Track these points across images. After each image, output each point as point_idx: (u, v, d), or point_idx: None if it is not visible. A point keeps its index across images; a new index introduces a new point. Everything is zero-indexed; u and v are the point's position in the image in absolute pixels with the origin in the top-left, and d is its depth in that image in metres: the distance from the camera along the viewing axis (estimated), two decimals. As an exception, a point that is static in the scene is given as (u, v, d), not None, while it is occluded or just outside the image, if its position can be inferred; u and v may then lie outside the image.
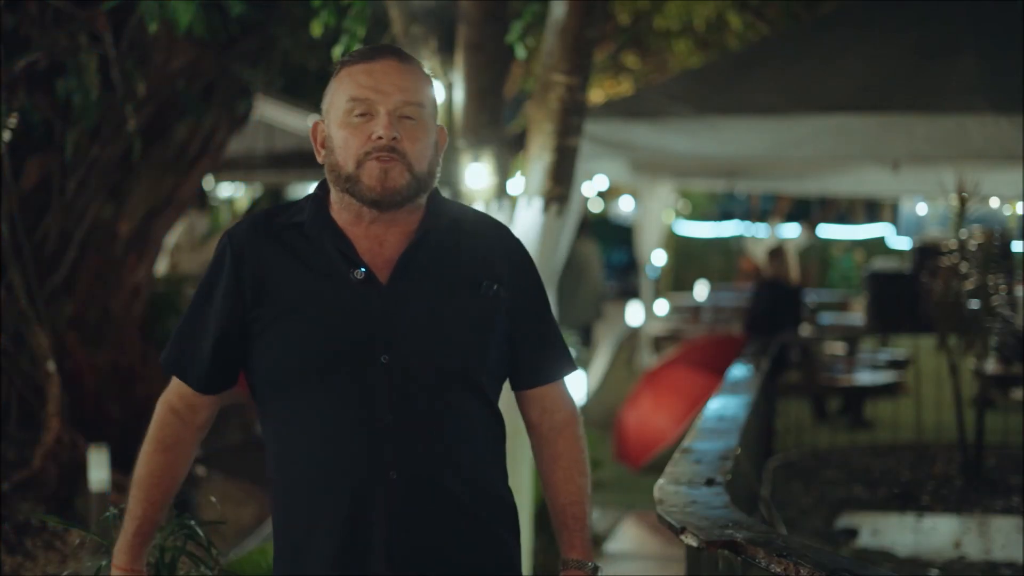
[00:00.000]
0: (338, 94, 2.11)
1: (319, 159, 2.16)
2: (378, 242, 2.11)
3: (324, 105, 2.15)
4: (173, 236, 10.03)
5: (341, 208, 2.12)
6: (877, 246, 20.81)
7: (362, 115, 2.07)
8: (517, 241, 2.26)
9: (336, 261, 2.09)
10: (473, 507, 2.11)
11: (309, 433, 2.06)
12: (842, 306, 15.67)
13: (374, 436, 2.03)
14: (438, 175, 2.17)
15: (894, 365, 10.75)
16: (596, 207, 18.22)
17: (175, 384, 2.19)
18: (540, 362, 2.25)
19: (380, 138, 2.05)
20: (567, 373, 2.29)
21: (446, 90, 4.73)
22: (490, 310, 2.14)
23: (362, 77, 2.08)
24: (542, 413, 2.26)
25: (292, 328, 2.06)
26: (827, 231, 20.79)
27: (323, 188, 2.18)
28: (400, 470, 2.03)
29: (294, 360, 2.06)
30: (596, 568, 2.23)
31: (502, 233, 2.25)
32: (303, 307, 2.06)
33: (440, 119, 5.14)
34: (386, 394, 2.04)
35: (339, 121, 2.09)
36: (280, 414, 2.10)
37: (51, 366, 5.03)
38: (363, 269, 2.08)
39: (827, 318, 12.75)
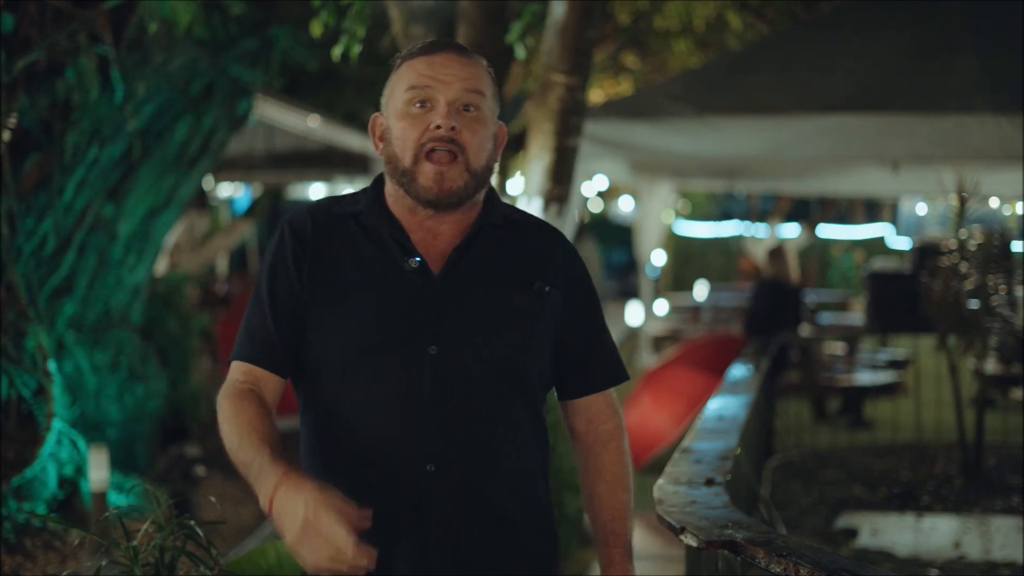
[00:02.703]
0: (398, 85, 2.09)
1: (377, 151, 2.15)
2: (432, 234, 2.10)
3: (383, 99, 2.14)
4: (173, 236, 10.03)
5: (396, 200, 2.12)
6: (877, 246, 20.82)
7: (421, 104, 2.05)
8: (572, 248, 2.25)
9: (391, 249, 2.08)
10: (514, 515, 2.08)
11: (351, 419, 2.04)
12: (842, 306, 15.68)
13: (417, 427, 2.02)
14: (495, 170, 2.17)
15: (894, 365, 10.76)
16: (596, 207, 18.21)
17: (242, 371, 2.09)
18: (589, 370, 2.22)
19: (439, 128, 2.03)
20: (618, 382, 2.26)
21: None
22: (540, 309, 2.12)
23: (422, 67, 2.07)
24: (588, 424, 2.24)
25: (344, 313, 2.05)
26: (827, 231, 20.80)
27: (380, 180, 2.17)
28: (439, 463, 2.01)
29: (345, 345, 2.05)
30: None
31: (558, 238, 2.23)
32: (356, 293, 2.06)
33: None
34: (431, 384, 2.02)
35: (398, 112, 2.07)
36: (325, 399, 2.08)
37: (51, 366, 5.03)
38: (418, 259, 2.07)
39: (827, 318, 12.76)
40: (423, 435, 2.01)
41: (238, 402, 2.03)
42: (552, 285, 2.14)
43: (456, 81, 2.05)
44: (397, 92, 2.09)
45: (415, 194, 2.06)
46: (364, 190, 2.19)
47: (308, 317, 2.07)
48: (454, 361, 2.03)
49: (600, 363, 2.23)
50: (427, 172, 2.04)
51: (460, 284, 2.08)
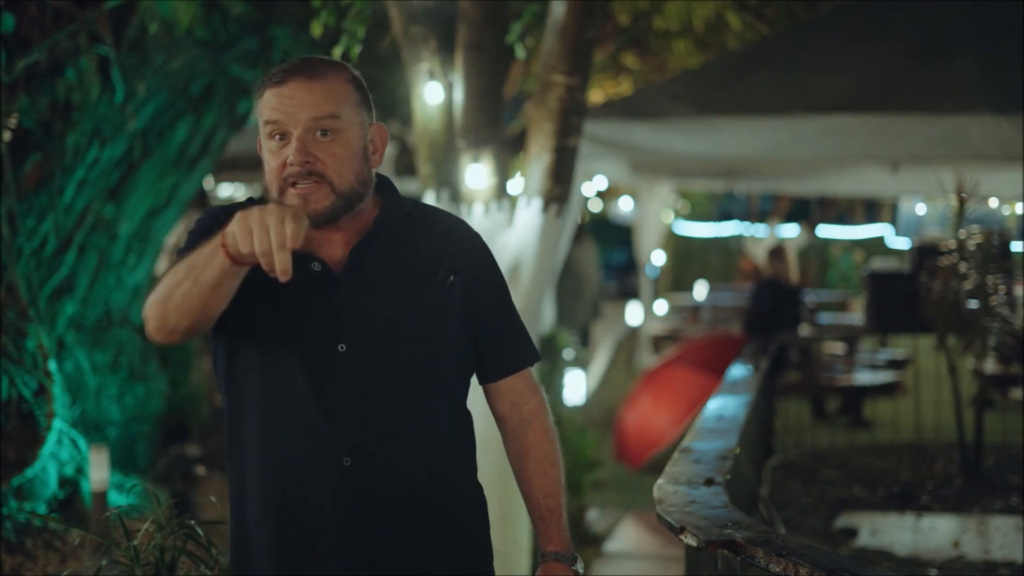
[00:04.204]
0: (260, 116, 2.12)
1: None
2: (328, 241, 2.12)
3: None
4: (173, 236, 10.03)
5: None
6: (876, 246, 20.82)
7: (280, 138, 2.07)
8: (475, 234, 2.28)
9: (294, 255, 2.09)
10: (435, 499, 2.12)
11: (267, 422, 2.09)
12: (841, 306, 15.68)
13: (331, 425, 2.06)
14: (373, 179, 2.16)
15: (893, 365, 10.77)
16: (596, 207, 18.21)
17: None
18: (503, 353, 2.26)
19: (292, 164, 2.05)
20: (531, 363, 2.31)
21: (446, 90, 4.73)
22: (446, 300, 2.16)
23: (273, 100, 2.08)
24: (511, 407, 2.28)
25: (255, 319, 2.08)
26: (826, 231, 20.78)
27: None
28: (355, 458, 2.05)
29: (257, 350, 2.10)
30: (575, 559, 2.25)
31: (459, 226, 2.27)
32: (264, 299, 2.07)
33: (440, 119, 5.13)
34: (344, 383, 2.07)
35: (264, 146, 2.11)
36: (240, 403, 2.12)
37: (52, 366, 5.03)
38: (318, 264, 2.10)
39: (826, 318, 12.76)
40: (339, 434, 2.06)
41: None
42: (455, 273, 2.17)
43: (303, 110, 2.05)
44: (260, 123, 2.11)
45: None
46: (260, 198, 2.20)
47: (223, 316, 2.05)
48: (363, 360, 2.08)
49: (512, 346, 2.28)
50: (291, 198, 2.06)
51: (363, 283, 2.11)
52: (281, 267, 1.80)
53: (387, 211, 2.17)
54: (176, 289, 1.96)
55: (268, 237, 1.80)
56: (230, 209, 2.14)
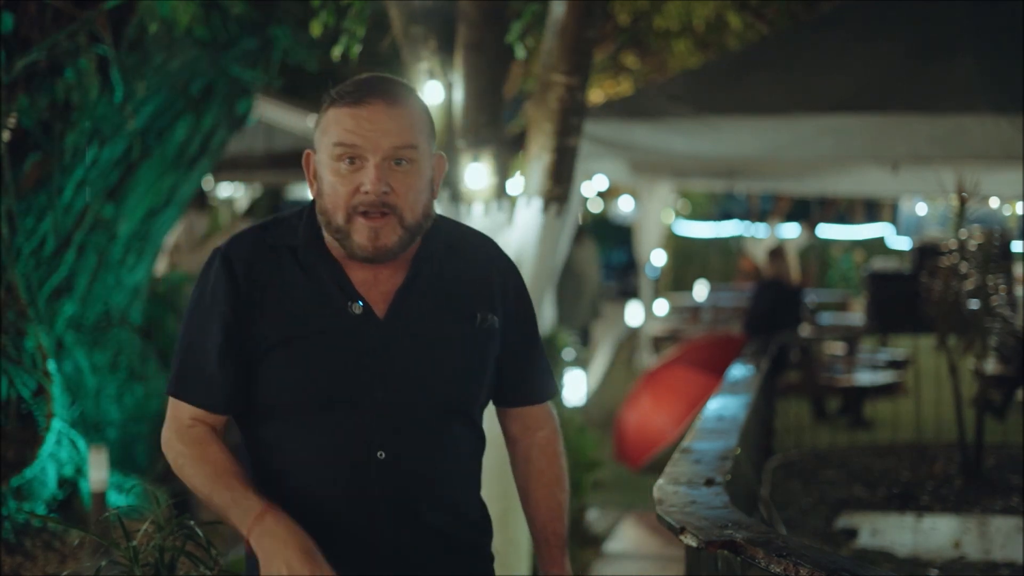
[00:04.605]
0: (326, 136, 2.01)
1: (311, 192, 2.08)
2: (373, 273, 2.06)
3: (315, 138, 2.07)
4: (173, 236, 10.03)
5: (334, 243, 2.06)
6: (877, 246, 20.82)
7: (350, 162, 1.98)
8: (508, 261, 2.23)
9: (332, 293, 2.04)
10: (454, 531, 2.11)
11: (298, 463, 2.03)
12: (842, 306, 15.68)
13: (365, 470, 2.01)
14: (433, 214, 2.10)
15: (893, 365, 10.76)
16: (596, 207, 18.21)
17: (189, 412, 2.09)
18: (525, 383, 2.24)
19: (368, 192, 1.97)
20: (551, 396, 2.28)
21: (446, 90, 4.73)
22: (485, 343, 2.12)
23: (348, 122, 1.98)
24: (524, 430, 2.26)
25: (290, 359, 2.02)
26: (827, 231, 20.79)
27: (314, 211, 2.09)
28: (388, 504, 2.03)
29: (291, 390, 2.03)
30: None
31: (494, 255, 2.20)
32: (300, 338, 2.02)
33: (440, 119, 5.13)
34: (378, 429, 2.02)
35: (328, 166, 2.01)
36: (268, 442, 2.07)
37: (51, 366, 5.03)
38: (361, 303, 2.03)
39: (827, 318, 12.76)
40: (373, 480, 2.02)
41: (200, 445, 2.05)
42: (493, 311, 2.13)
43: (385, 138, 1.97)
44: (324, 143, 2.01)
45: (350, 250, 2.01)
46: (300, 215, 2.11)
47: (250, 360, 2.04)
48: (400, 405, 2.03)
49: (534, 378, 2.25)
50: (360, 229, 1.99)
51: (404, 326, 2.05)
52: None
53: (430, 246, 2.09)
54: (192, 486, 2.06)
55: None
56: (231, 248, 2.07)
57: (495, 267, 2.18)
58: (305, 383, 2.02)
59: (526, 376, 2.23)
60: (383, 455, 2.01)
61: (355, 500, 2.02)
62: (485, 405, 2.21)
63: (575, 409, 7.30)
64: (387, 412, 2.02)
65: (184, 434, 2.08)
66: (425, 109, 2.08)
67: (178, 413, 2.10)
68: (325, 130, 2.02)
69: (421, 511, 2.05)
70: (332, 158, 1.99)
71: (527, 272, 4.55)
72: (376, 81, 2.06)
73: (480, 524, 2.20)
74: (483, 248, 2.21)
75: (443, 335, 2.07)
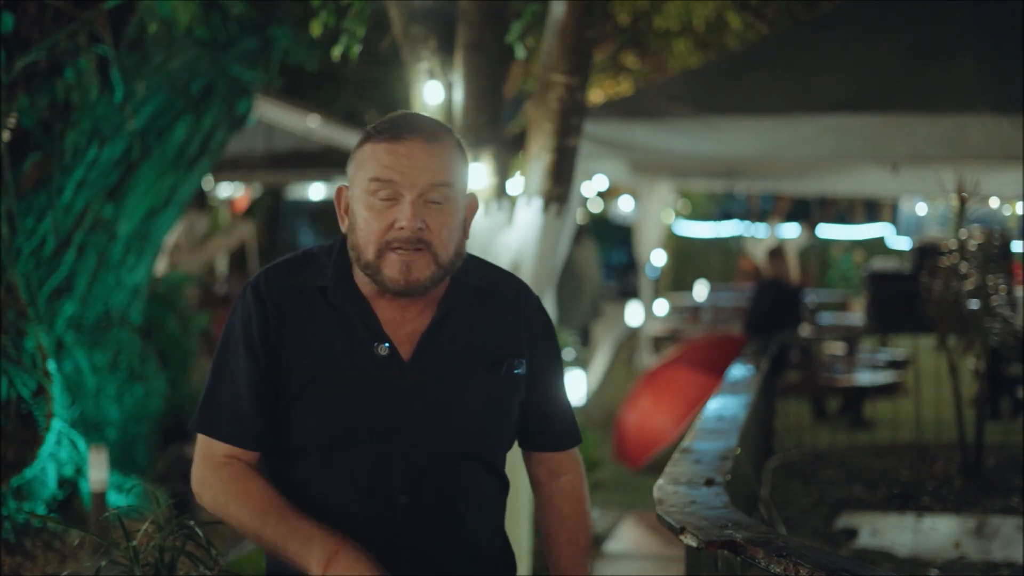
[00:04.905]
0: (361, 170, 2.01)
1: (342, 227, 2.07)
2: (400, 313, 2.05)
3: (348, 173, 2.06)
4: (173, 236, 10.04)
5: (364, 279, 2.05)
6: (877, 246, 20.82)
7: (385, 199, 1.97)
8: (537, 303, 2.21)
9: (359, 333, 2.03)
10: (480, 567, 2.10)
11: (320, 503, 2.02)
12: (842, 306, 15.68)
13: (386, 513, 2.01)
14: (464, 254, 2.09)
15: (893, 365, 10.76)
16: (596, 207, 18.21)
17: (212, 448, 2.07)
18: (550, 430, 2.23)
19: (403, 228, 1.96)
20: (574, 444, 2.27)
21: (446, 90, 4.73)
22: (510, 391, 2.11)
23: (385, 157, 1.97)
24: (550, 474, 2.26)
25: (313, 400, 2.01)
26: (827, 231, 20.79)
27: (344, 246, 2.08)
28: (410, 548, 2.02)
29: (315, 430, 2.02)
30: None
31: (524, 300, 2.18)
32: (325, 378, 2.01)
33: (440, 119, 5.13)
34: (401, 471, 2.01)
35: (362, 201, 2.00)
36: (292, 481, 2.06)
37: (51, 366, 5.03)
38: (387, 344, 2.02)
39: (827, 318, 12.76)
40: (394, 523, 2.01)
41: (241, 482, 2.03)
42: (520, 357, 2.11)
43: (422, 175, 1.96)
44: (359, 177, 2.01)
45: (381, 284, 2.01)
46: (329, 252, 2.11)
47: (278, 399, 2.04)
48: (423, 447, 2.02)
49: (559, 426, 2.24)
50: (392, 263, 1.98)
51: (430, 369, 2.04)
52: None
53: (457, 288, 2.08)
54: (238, 523, 2.03)
55: None
56: (259, 286, 2.06)
57: (524, 310, 2.16)
58: (329, 422, 2.01)
59: (552, 422, 2.22)
60: (404, 499, 2.01)
61: (376, 542, 2.00)
62: (509, 448, 2.19)
63: (575, 409, 7.29)
64: (409, 455, 2.01)
65: (220, 472, 2.05)
66: (461, 149, 2.07)
67: (210, 451, 2.07)
68: (361, 165, 2.01)
69: (439, 555, 2.05)
70: (367, 192, 1.98)
71: (527, 272, 4.55)
72: (415, 118, 2.06)
73: (502, 561, 2.18)
74: (512, 291, 2.18)
75: (468, 380, 2.07)
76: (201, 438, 2.09)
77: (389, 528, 2.02)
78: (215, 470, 2.06)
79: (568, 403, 2.27)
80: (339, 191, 2.08)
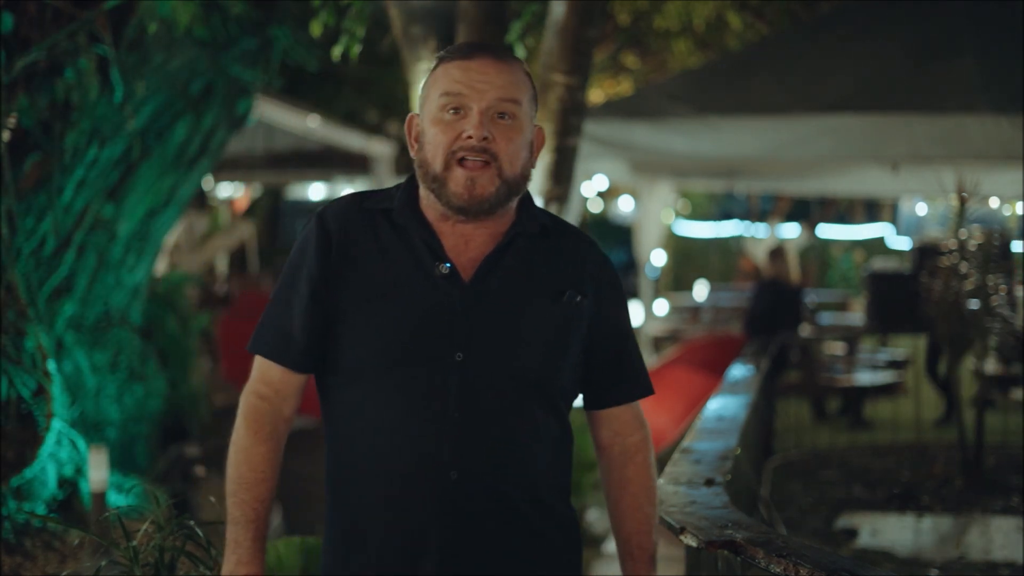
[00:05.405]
0: (432, 89, 2.06)
1: (411, 153, 2.11)
2: (464, 240, 2.07)
3: (419, 99, 2.12)
4: (173, 236, 10.03)
5: (429, 203, 2.08)
6: (877, 246, 20.81)
7: (455, 111, 2.02)
8: (606, 257, 2.22)
9: (421, 253, 2.05)
10: (536, 521, 2.07)
11: (376, 423, 2.03)
12: (842, 306, 15.68)
13: (441, 433, 2.00)
14: (531, 178, 2.12)
15: (894, 365, 10.75)
16: (596, 207, 18.21)
17: (262, 372, 2.11)
18: (616, 382, 2.20)
19: (470, 137, 2.00)
20: (643, 395, 2.24)
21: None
22: (570, 320, 2.10)
23: (457, 72, 2.03)
24: (614, 436, 2.23)
25: (373, 317, 2.03)
26: (827, 231, 20.79)
27: (414, 178, 2.13)
28: (461, 471, 2.00)
29: (371, 349, 2.03)
30: None
31: (592, 247, 2.20)
32: (386, 296, 2.03)
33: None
34: (457, 392, 2.01)
35: (431, 117, 2.04)
36: (348, 402, 2.06)
37: (51, 366, 5.02)
38: (448, 265, 2.04)
39: (827, 318, 12.75)
40: (447, 444, 2.00)
41: (255, 431, 2.08)
42: (583, 295, 2.11)
43: (491, 89, 2.02)
44: (432, 96, 2.06)
45: (446, 200, 2.03)
46: (398, 186, 2.16)
47: (334, 317, 2.06)
48: (480, 370, 2.02)
49: (627, 375, 2.21)
50: (458, 178, 2.01)
51: (490, 293, 2.05)
52: None
53: (524, 220, 2.11)
54: (227, 473, 2.11)
55: None
56: (329, 209, 2.10)
57: (590, 257, 2.17)
58: (387, 341, 2.02)
59: (619, 374, 2.20)
60: (459, 415, 2.00)
61: (428, 463, 2.00)
62: (572, 398, 2.17)
63: (575, 409, 7.29)
64: (465, 376, 2.01)
65: (249, 407, 2.10)
66: (530, 77, 2.12)
67: (257, 373, 2.12)
68: (433, 84, 2.06)
69: (498, 485, 2.02)
70: (438, 108, 2.03)
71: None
72: (487, 43, 2.21)
73: (566, 524, 2.14)
74: (581, 238, 2.21)
75: (529, 307, 2.07)
76: (255, 361, 2.13)
77: (442, 450, 2.00)
78: (246, 399, 2.11)
79: (637, 352, 2.25)
80: (410, 119, 2.13)
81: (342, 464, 2.08)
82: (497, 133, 2.01)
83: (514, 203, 2.10)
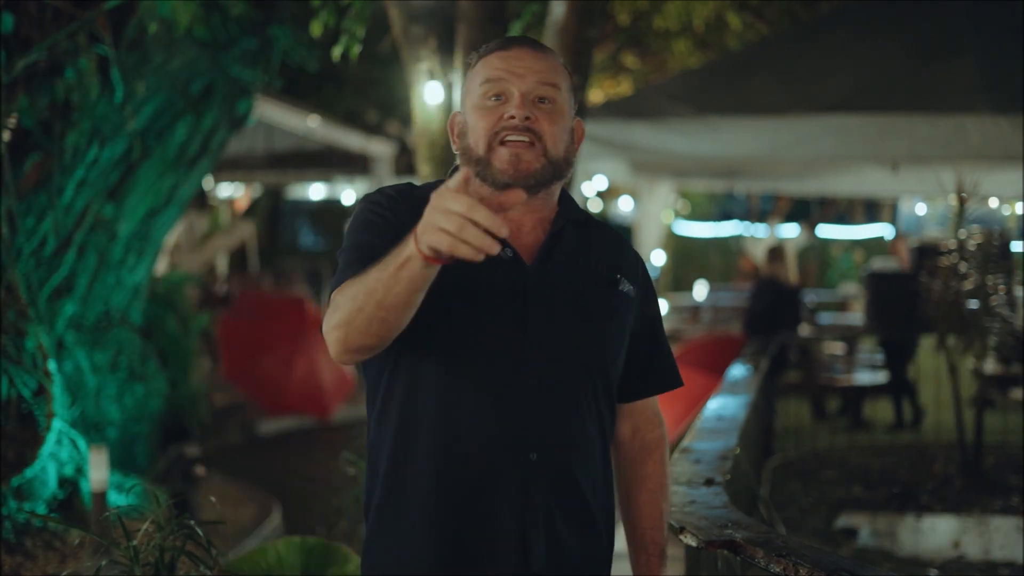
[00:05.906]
0: (473, 81, 2.09)
1: (454, 148, 2.11)
2: (516, 226, 2.07)
3: (460, 96, 2.14)
4: (173, 236, 10.04)
5: (476, 192, 2.04)
6: (877, 246, 20.81)
7: (496, 98, 2.04)
8: (637, 252, 2.25)
9: None
10: (595, 509, 2.08)
11: (439, 406, 2.00)
12: (841, 306, 15.68)
13: (519, 413, 1.99)
14: (574, 167, 2.13)
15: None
16: (596, 207, 18.22)
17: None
18: (648, 373, 2.22)
19: (513, 117, 2.01)
20: (673, 386, 2.26)
21: (446, 90, 4.73)
22: (624, 306, 2.13)
23: (496, 61, 2.07)
24: (634, 431, 2.24)
25: (440, 297, 1.94)
26: (826, 231, 20.79)
27: (458, 170, 2.10)
28: (540, 453, 2.00)
29: (439, 332, 1.99)
30: None
31: (627, 241, 2.24)
32: (452, 276, 1.96)
33: (440, 119, 5.13)
34: (531, 374, 2.01)
35: (474, 106, 2.06)
36: (410, 385, 2.03)
37: (51, 366, 5.03)
38: (510, 250, 2.04)
39: (826, 318, 12.76)
40: (525, 425, 2.00)
41: (347, 284, 1.91)
42: (630, 281, 2.15)
43: (530, 74, 2.04)
44: (473, 87, 2.08)
45: (491, 180, 2.02)
46: (439, 181, 2.12)
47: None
48: (551, 351, 2.03)
49: (660, 367, 2.24)
50: (502, 155, 2.02)
51: (552, 275, 2.06)
52: (483, 244, 1.68)
53: (570, 211, 2.13)
54: (359, 314, 1.85)
55: (466, 224, 1.67)
56: (395, 192, 2.08)
57: (628, 250, 2.22)
58: (458, 321, 2.00)
59: (652, 365, 2.22)
60: (533, 397, 2.00)
61: (508, 442, 1.99)
62: (615, 387, 2.17)
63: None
64: (535, 355, 2.01)
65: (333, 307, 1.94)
66: (567, 70, 2.14)
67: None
68: (473, 77, 2.10)
69: (571, 473, 2.02)
70: (480, 96, 2.06)
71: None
72: (523, 36, 2.19)
73: (608, 516, 2.13)
74: (616, 234, 2.24)
75: (588, 290, 2.09)
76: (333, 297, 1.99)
77: (520, 435, 1.99)
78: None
79: (668, 348, 2.27)
80: (453, 117, 2.14)
81: (402, 446, 2.03)
82: (539, 115, 2.03)
83: (558, 189, 2.12)
